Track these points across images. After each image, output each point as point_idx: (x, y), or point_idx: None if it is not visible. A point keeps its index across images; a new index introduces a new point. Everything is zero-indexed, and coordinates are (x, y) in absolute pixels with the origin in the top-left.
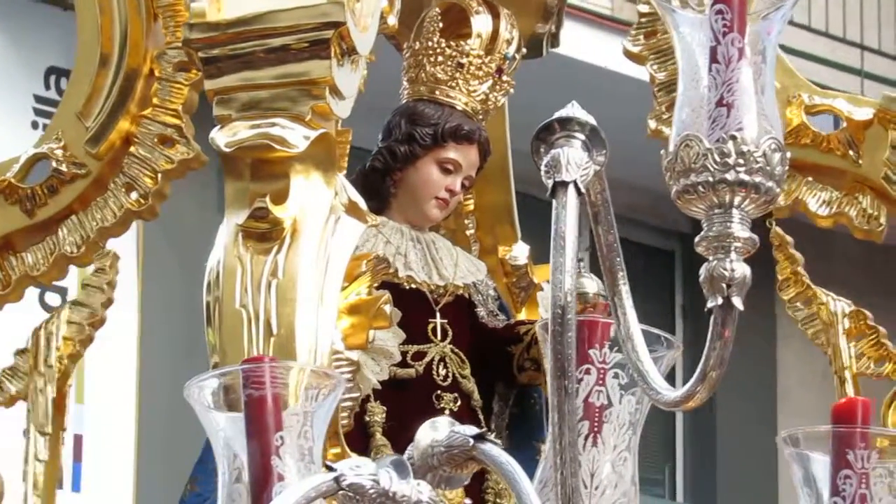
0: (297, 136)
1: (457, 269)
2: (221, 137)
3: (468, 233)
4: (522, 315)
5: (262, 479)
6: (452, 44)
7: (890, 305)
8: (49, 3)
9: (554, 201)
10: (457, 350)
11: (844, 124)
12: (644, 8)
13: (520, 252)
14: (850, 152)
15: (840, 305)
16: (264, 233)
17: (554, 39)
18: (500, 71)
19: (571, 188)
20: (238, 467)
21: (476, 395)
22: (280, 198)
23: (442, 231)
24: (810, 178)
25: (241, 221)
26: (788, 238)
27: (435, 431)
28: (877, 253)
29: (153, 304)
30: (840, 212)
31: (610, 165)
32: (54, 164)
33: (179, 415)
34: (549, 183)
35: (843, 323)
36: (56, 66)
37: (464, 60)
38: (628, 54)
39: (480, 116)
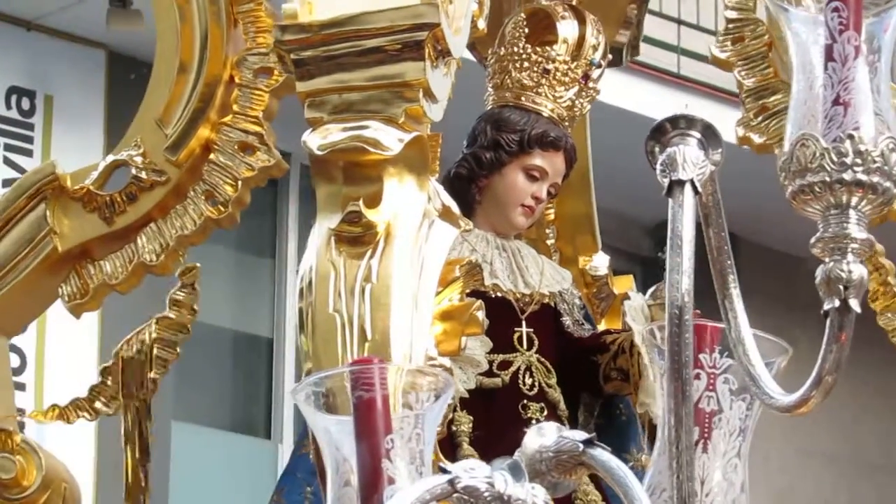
0: (390, 139)
1: (542, 277)
2: (314, 140)
3: (549, 242)
4: (602, 326)
5: (372, 483)
6: (539, 49)
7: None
8: (12, 23)
9: (670, 200)
10: (543, 359)
11: None
12: (732, 14)
13: (600, 262)
14: None
15: None
16: (357, 237)
17: (634, 49)
18: (586, 77)
19: (688, 187)
20: (347, 471)
21: (562, 405)
22: (373, 201)
23: (523, 241)
24: None
25: (333, 225)
26: (879, 246)
27: (542, 437)
28: None
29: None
30: None
31: None
32: (133, 171)
33: None
34: (665, 182)
35: None
36: (18, 85)
37: (550, 66)
38: (716, 61)
39: (566, 123)
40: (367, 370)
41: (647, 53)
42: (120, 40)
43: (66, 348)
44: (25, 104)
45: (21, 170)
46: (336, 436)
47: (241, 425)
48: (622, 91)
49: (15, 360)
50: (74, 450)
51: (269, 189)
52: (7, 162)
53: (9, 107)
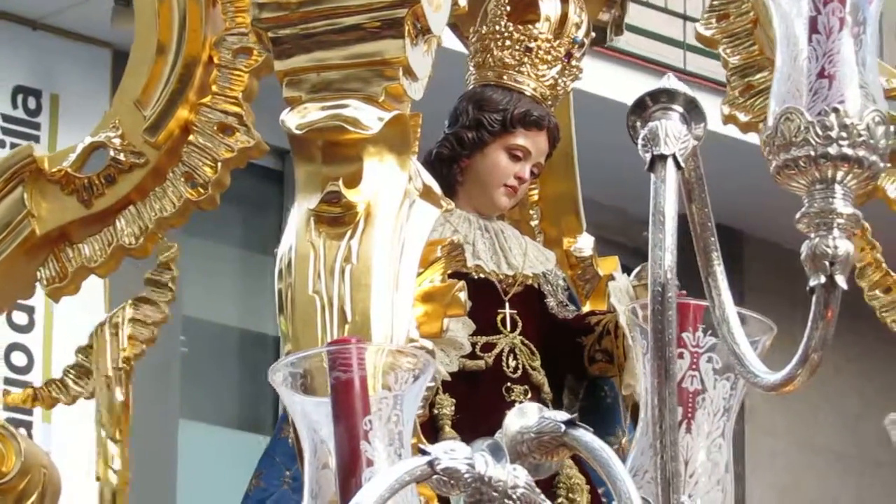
0: (370, 118)
1: (526, 258)
2: (292, 119)
3: (532, 223)
4: (587, 308)
5: (350, 465)
6: (521, 28)
7: (865, 327)
8: (17, 22)
9: (652, 176)
10: (527, 341)
11: None
12: None
13: (585, 243)
14: None
15: None
16: (337, 217)
17: (618, 28)
18: (569, 55)
19: (671, 161)
20: (325, 453)
21: (546, 388)
22: (353, 181)
23: (506, 221)
24: (889, 164)
25: (312, 206)
26: (866, 224)
27: (523, 418)
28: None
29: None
30: None
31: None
32: (112, 152)
33: (142, 421)
34: (647, 157)
35: None
36: (24, 84)
37: (532, 45)
38: (700, 38)
39: (549, 102)
40: (344, 350)
41: (653, 49)
42: (125, 39)
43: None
44: (31, 103)
45: None
46: (314, 417)
47: (248, 423)
48: (628, 87)
49: (21, 359)
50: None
51: (275, 186)
52: None
53: (15, 106)
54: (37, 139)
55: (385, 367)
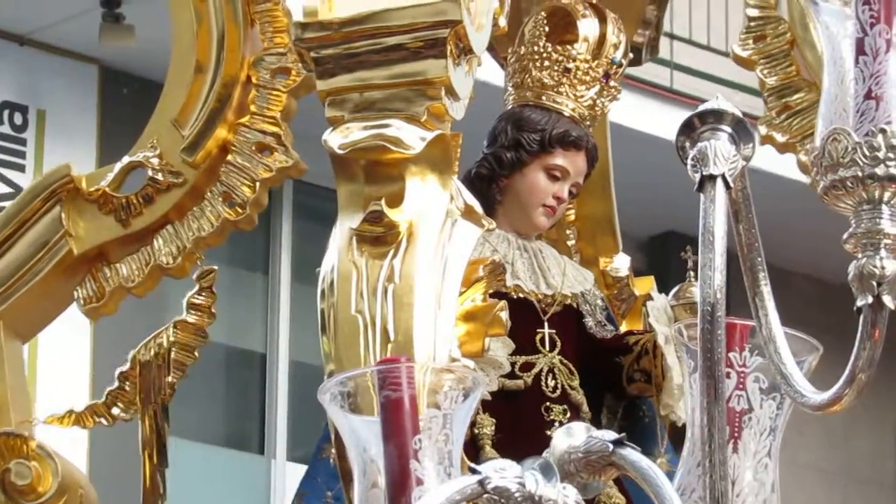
0: (413, 137)
1: (564, 278)
2: (335, 139)
3: (569, 243)
4: (623, 328)
5: (400, 484)
6: (559, 48)
7: (844, 346)
8: (4, 38)
9: (702, 196)
10: (565, 361)
11: None
12: (754, 12)
13: (621, 263)
14: None
15: None
16: (379, 237)
17: (653, 49)
18: (607, 76)
19: (720, 182)
20: (374, 472)
21: (585, 407)
22: (395, 201)
23: (544, 241)
24: None
25: (355, 225)
26: None
27: (571, 437)
28: (832, 290)
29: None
30: None
31: None
32: (150, 172)
33: (131, 439)
34: (697, 177)
35: None
36: (10, 100)
37: (571, 65)
38: (738, 59)
39: (587, 122)
40: (394, 369)
41: (640, 68)
42: (112, 55)
43: (59, 363)
44: (18, 119)
45: (13, 185)
46: (363, 436)
47: (234, 441)
48: (615, 106)
49: None
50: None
51: None
52: None
53: (1, 122)
54: (23, 155)
55: (434, 386)
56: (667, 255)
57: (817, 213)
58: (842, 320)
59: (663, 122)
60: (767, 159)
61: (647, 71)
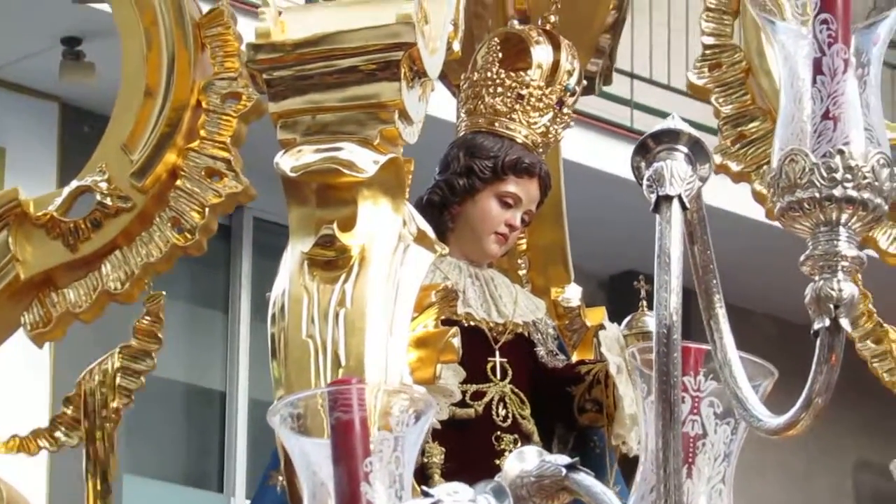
0: (365, 161)
1: (516, 306)
2: (286, 162)
3: (520, 273)
4: (575, 358)
5: None
6: (513, 74)
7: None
8: None
9: (657, 217)
10: (517, 390)
11: None
12: (709, 40)
13: (573, 294)
14: None
15: None
16: (331, 261)
17: (607, 78)
18: (560, 103)
19: (676, 202)
20: (325, 496)
21: (536, 437)
22: (347, 224)
23: (496, 269)
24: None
25: (306, 249)
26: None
27: (523, 462)
28: (791, 330)
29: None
30: None
31: None
32: (98, 196)
33: None
34: (652, 197)
35: None
36: None
37: (524, 92)
38: (692, 87)
39: (540, 150)
40: (345, 391)
41: (600, 107)
42: (73, 92)
43: (18, 388)
44: None
45: None
46: (313, 459)
47: (193, 478)
48: (575, 144)
49: None
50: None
51: (223, 241)
52: None
53: None
54: None
55: (385, 408)
56: (627, 294)
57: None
58: (802, 360)
59: (624, 160)
60: (726, 197)
61: (608, 110)
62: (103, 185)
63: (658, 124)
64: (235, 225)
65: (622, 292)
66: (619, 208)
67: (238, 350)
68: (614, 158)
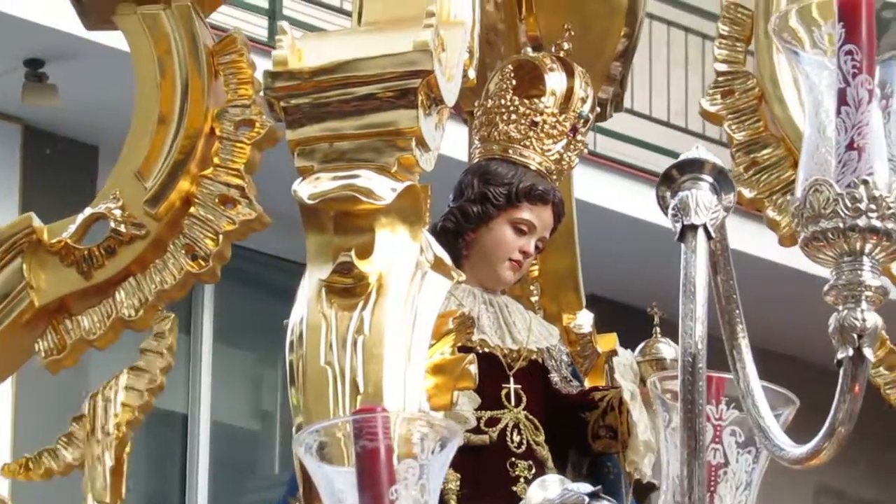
0: (383, 188)
1: (530, 333)
2: (304, 189)
3: (533, 299)
4: (587, 384)
5: None
6: (526, 101)
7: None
8: None
9: (683, 246)
10: (531, 416)
11: None
12: (722, 67)
13: (584, 320)
14: None
15: None
16: (349, 288)
17: (618, 105)
18: (574, 130)
19: (701, 232)
20: None
21: (550, 463)
22: (365, 252)
23: (509, 296)
24: None
25: (324, 276)
26: None
27: (546, 490)
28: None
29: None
30: None
31: None
32: (112, 224)
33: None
34: (678, 227)
35: None
36: None
37: (538, 119)
38: (705, 114)
39: (554, 177)
40: (370, 419)
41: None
42: (35, 115)
43: None
44: None
45: None
46: (338, 487)
47: (155, 500)
48: None
49: None
50: None
51: None
52: None
53: None
54: None
55: (410, 436)
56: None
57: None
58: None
59: (586, 185)
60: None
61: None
62: (117, 213)
63: (683, 154)
64: None
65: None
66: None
67: (200, 372)
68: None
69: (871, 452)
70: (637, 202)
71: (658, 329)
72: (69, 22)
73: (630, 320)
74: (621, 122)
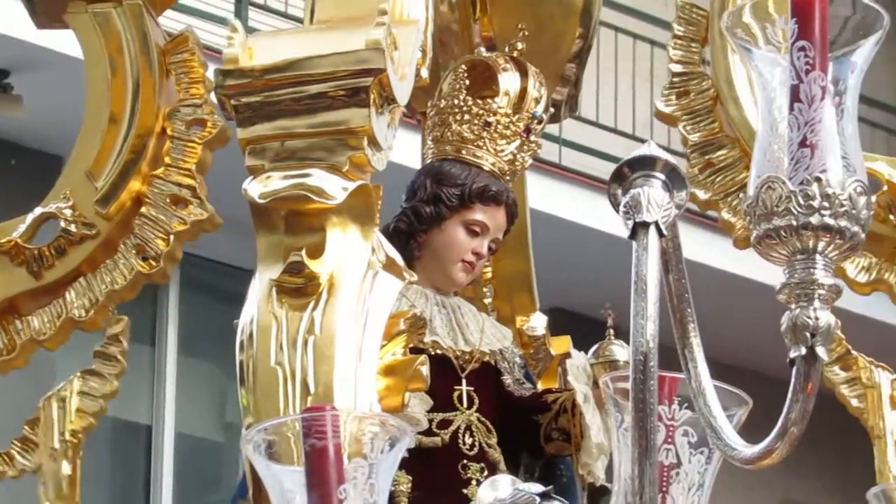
0: (334, 187)
1: (483, 335)
2: (255, 188)
3: (486, 301)
4: (540, 387)
5: None
6: (480, 102)
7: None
8: None
9: (634, 243)
10: (483, 418)
11: (885, 188)
12: (677, 68)
13: (538, 322)
14: (891, 217)
15: (883, 373)
16: (300, 288)
17: (572, 107)
18: (528, 130)
19: (653, 229)
20: None
21: (503, 465)
22: (316, 252)
23: (462, 298)
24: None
25: (275, 276)
26: None
27: (496, 490)
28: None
29: None
30: (879, 278)
31: None
32: (63, 223)
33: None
34: (630, 224)
35: (886, 389)
36: None
37: (491, 119)
38: (660, 115)
39: (507, 177)
40: (319, 418)
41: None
42: (0, 125)
43: None
44: None
45: None
46: (287, 486)
47: None
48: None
49: None
50: None
51: None
52: None
53: None
54: None
55: (360, 435)
56: (555, 332)
57: None
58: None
59: (551, 198)
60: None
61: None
62: (67, 212)
63: (634, 150)
64: None
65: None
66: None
67: (165, 384)
68: (541, 196)
69: (835, 465)
70: (604, 215)
71: (611, 331)
72: (34, 32)
73: (601, 335)
74: (586, 135)
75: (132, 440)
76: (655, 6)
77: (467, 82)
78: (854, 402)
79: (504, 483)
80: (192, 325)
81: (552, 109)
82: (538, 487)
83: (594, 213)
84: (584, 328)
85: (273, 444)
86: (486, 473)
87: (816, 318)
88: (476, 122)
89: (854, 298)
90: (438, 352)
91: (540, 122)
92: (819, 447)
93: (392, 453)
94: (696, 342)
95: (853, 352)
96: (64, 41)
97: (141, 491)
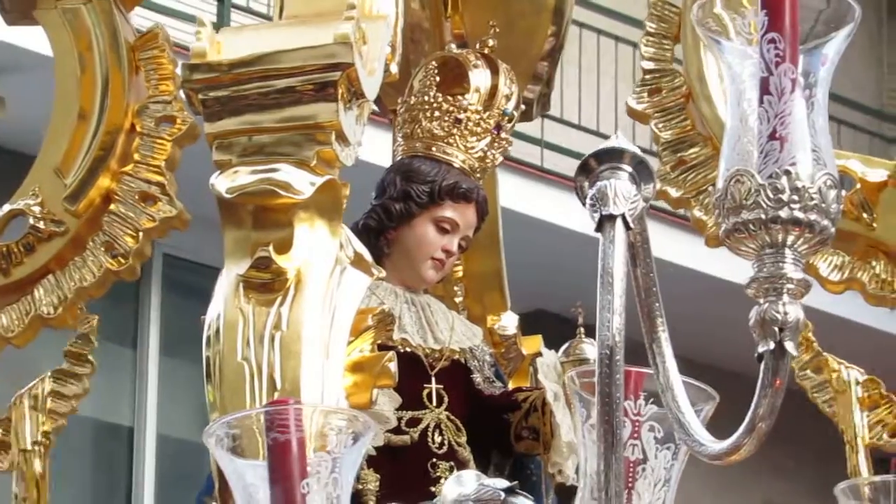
0: (302, 182)
1: (452, 333)
2: (222, 183)
3: (457, 300)
4: (510, 387)
5: None
6: (450, 98)
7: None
8: None
9: (601, 236)
10: (453, 417)
11: (858, 186)
12: (649, 65)
13: (509, 322)
14: (864, 215)
15: (853, 374)
16: (267, 283)
17: (544, 105)
18: (498, 127)
19: (620, 222)
20: None
21: (472, 464)
22: (283, 247)
23: (432, 296)
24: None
25: (242, 271)
26: None
27: (461, 485)
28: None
29: None
30: (852, 277)
31: None
32: (31, 220)
33: None
34: (596, 217)
35: (856, 391)
36: None
37: (461, 116)
38: (631, 112)
39: (478, 175)
40: (282, 411)
41: (511, 147)
42: None
43: None
44: None
45: None
46: (249, 480)
47: None
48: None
49: None
50: None
51: None
52: None
53: None
54: None
55: (323, 429)
56: (537, 333)
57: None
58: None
59: (533, 200)
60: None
61: (518, 150)
62: (36, 209)
63: (601, 143)
64: (144, 261)
65: (532, 332)
66: (529, 248)
67: (146, 385)
68: (523, 198)
69: (816, 466)
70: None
71: (582, 330)
72: (16, 35)
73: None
74: (568, 137)
75: (114, 442)
76: (637, 8)
77: (438, 79)
78: (825, 407)
79: (469, 478)
80: (174, 327)
81: (523, 107)
82: (503, 483)
83: (577, 215)
84: (569, 332)
85: (236, 438)
86: (455, 472)
87: (785, 313)
88: (446, 118)
89: (827, 297)
90: (408, 349)
91: (510, 120)
92: (800, 448)
93: (356, 447)
94: (664, 336)
95: (824, 353)
96: (46, 43)
97: (123, 493)
